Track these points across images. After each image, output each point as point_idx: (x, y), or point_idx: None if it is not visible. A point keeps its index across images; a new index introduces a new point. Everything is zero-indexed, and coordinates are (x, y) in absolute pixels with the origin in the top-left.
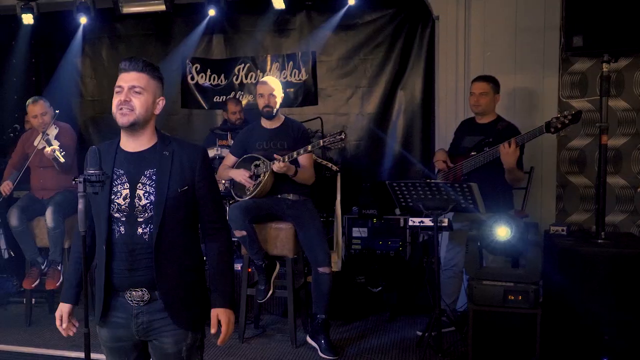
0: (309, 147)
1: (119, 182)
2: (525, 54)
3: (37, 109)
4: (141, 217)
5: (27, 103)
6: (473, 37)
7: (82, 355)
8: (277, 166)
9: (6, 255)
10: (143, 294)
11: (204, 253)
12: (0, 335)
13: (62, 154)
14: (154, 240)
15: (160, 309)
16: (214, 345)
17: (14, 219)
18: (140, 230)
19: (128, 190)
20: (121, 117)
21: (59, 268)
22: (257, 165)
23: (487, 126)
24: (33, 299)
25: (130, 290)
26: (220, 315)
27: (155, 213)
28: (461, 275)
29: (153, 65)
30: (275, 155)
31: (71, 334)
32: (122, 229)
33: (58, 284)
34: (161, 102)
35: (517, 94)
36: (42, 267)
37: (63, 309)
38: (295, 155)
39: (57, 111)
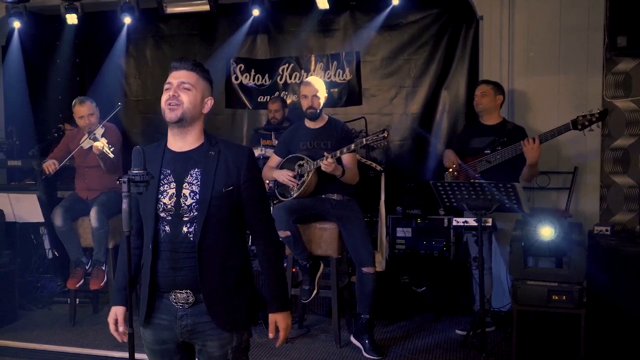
0: (352, 146)
1: (166, 181)
2: (569, 54)
3: (84, 110)
4: (186, 217)
5: (73, 103)
6: (517, 37)
7: (126, 355)
8: (325, 163)
9: (50, 256)
10: (188, 296)
11: (257, 252)
12: (45, 335)
13: (111, 149)
14: (197, 239)
15: (204, 311)
16: (259, 346)
17: (58, 219)
18: (185, 229)
19: (174, 190)
20: (169, 112)
21: (103, 268)
22: (300, 165)
23: (496, 127)
24: (77, 299)
25: (175, 292)
26: (278, 322)
27: (199, 212)
28: (490, 271)
29: (203, 66)
30: (325, 153)
31: (125, 339)
32: (167, 228)
33: (102, 284)
34: (209, 102)
35: (561, 94)
36: (86, 267)
37: (117, 312)
38: (338, 154)
39: (119, 104)
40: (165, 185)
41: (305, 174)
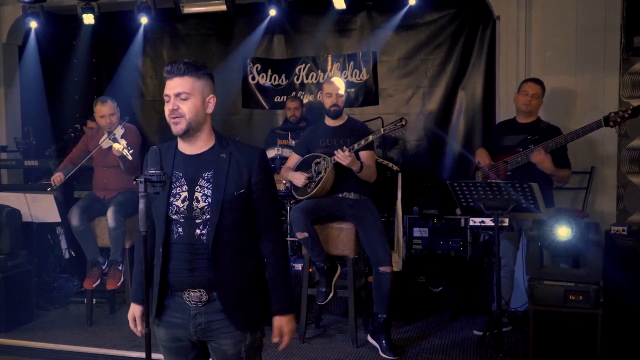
0: (370, 137)
1: (178, 184)
2: (585, 54)
3: (106, 110)
4: (199, 219)
5: (94, 102)
6: (534, 37)
7: (143, 355)
8: (341, 155)
9: (67, 256)
10: (201, 295)
11: (263, 254)
12: (62, 335)
13: (131, 152)
14: (211, 241)
15: (218, 309)
16: (275, 345)
17: (74, 219)
18: (198, 231)
19: (186, 193)
20: (174, 127)
21: (120, 268)
22: (317, 163)
23: (529, 125)
24: (94, 299)
25: (189, 291)
26: (283, 325)
27: (212, 215)
28: (512, 273)
29: (196, 65)
30: (343, 147)
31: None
32: (180, 230)
33: (119, 284)
34: (212, 101)
35: (578, 94)
36: (103, 267)
37: (135, 310)
38: (356, 147)
39: (127, 117)
40: (178, 188)
41: (323, 171)
